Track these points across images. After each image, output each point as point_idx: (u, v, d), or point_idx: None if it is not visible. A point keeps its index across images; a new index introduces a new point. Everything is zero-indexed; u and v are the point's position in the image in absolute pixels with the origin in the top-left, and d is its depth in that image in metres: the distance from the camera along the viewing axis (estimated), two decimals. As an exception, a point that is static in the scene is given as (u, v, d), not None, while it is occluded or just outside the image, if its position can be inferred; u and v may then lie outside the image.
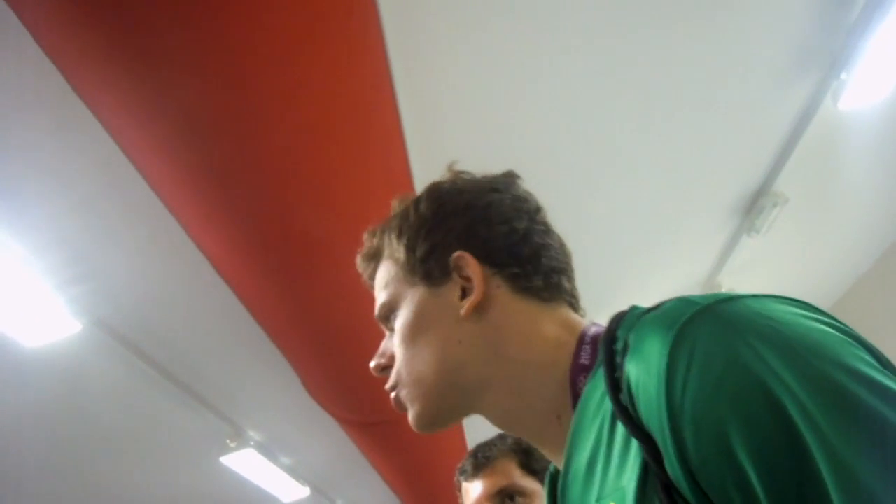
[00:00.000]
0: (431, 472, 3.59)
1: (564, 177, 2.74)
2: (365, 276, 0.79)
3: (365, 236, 0.79)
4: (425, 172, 2.26)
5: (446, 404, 0.69)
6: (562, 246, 0.73)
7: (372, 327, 2.36)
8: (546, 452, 0.68)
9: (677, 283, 3.95)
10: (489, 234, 0.68)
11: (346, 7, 1.48)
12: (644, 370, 0.46)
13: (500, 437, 1.41)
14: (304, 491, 4.75)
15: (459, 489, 1.41)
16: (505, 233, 0.69)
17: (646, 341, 0.47)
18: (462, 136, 2.42)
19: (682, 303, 0.47)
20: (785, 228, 3.28)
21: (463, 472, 1.39)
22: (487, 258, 0.68)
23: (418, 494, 3.99)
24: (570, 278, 0.72)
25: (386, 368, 0.74)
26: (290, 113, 1.50)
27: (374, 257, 0.77)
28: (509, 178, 0.76)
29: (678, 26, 2.22)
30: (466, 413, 0.70)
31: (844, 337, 0.42)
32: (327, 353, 2.33)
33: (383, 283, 0.74)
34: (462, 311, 0.66)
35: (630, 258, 3.53)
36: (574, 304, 0.71)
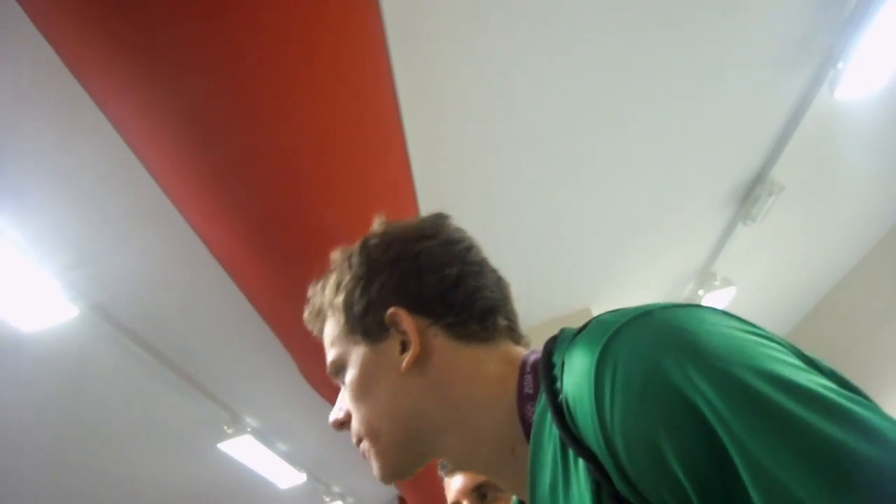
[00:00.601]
0: (427, 458, 3.61)
1: (561, 168, 2.74)
2: (315, 332, 0.80)
3: (310, 291, 0.80)
4: (425, 164, 2.27)
5: (406, 455, 0.71)
6: (498, 281, 0.74)
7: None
8: (505, 487, 0.70)
9: (673, 272, 3.96)
10: (421, 286, 0.69)
11: (348, 4, 1.49)
12: (577, 388, 0.48)
13: None
14: (301, 477, 4.78)
15: (443, 481, 1.45)
16: (436, 282, 0.69)
17: (576, 361, 0.49)
18: (461, 125, 2.42)
19: (603, 323, 0.50)
20: (780, 217, 3.29)
21: (443, 468, 1.42)
22: (422, 310, 0.69)
23: (413, 481, 4.01)
24: (508, 312, 0.73)
25: (344, 423, 0.75)
26: (293, 105, 1.50)
27: (320, 314, 0.78)
28: (439, 220, 0.76)
29: (675, 18, 2.22)
30: (428, 458, 0.72)
31: (760, 339, 0.44)
32: (324, 339, 2.33)
33: (330, 340, 0.76)
34: (402, 366, 0.67)
35: (626, 246, 3.54)
36: (515, 337, 0.72)
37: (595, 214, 3.18)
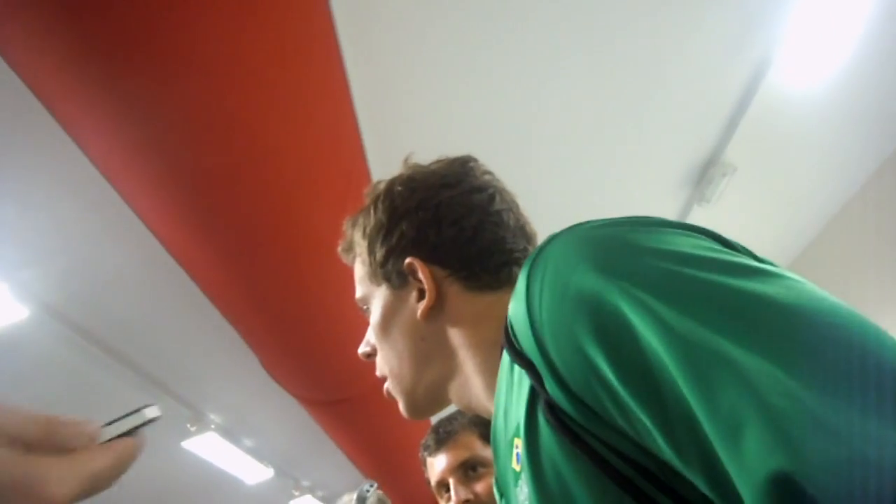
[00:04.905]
0: (394, 447, 3.62)
1: (512, 154, 2.75)
2: (348, 264, 0.83)
3: (344, 225, 0.82)
4: (381, 151, 2.25)
5: (425, 396, 0.73)
6: (522, 227, 0.75)
7: (328, 307, 2.34)
8: None
9: (632, 254, 4.01)
10: (438, 238, 0.71)
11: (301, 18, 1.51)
12: (515, 302, 0.50)
13: (460, 411, 1.44)
14: (268, 472, 4.74)
15: (424, 465, 1.43)
16: (453, 235, 0.71)
17: (518, 280, 0.51)
18: (415, 106, 2.41)
19: (542, 243, 0.52)
20: (734, 197, 3.36)
21: (426, 448, 1.41)
22: (438, 261, 0.71)
23: (383, 470, 4.02)
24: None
25: (370, 356, 0.78)
26: (246, 114, 1.51)
27: (351, 249, 0.81)
28: (464, 166, 0.77)
29: (624, 2, 2.23)
30: (444, 401, 0.74)
31: (681, 232, 0.45)
32: (285, 332, 2.32)
33: (358, 278, 0.79)
34: (418, 314, 0.70)
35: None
36: None
37: (548, 203, 3.19)
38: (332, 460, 4.48)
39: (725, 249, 0.44)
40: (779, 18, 2.42)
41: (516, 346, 0.50)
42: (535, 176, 2.94)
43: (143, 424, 0.46)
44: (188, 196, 1.69)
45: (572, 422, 0.44)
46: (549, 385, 0.45)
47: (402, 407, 0.75)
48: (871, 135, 3.26)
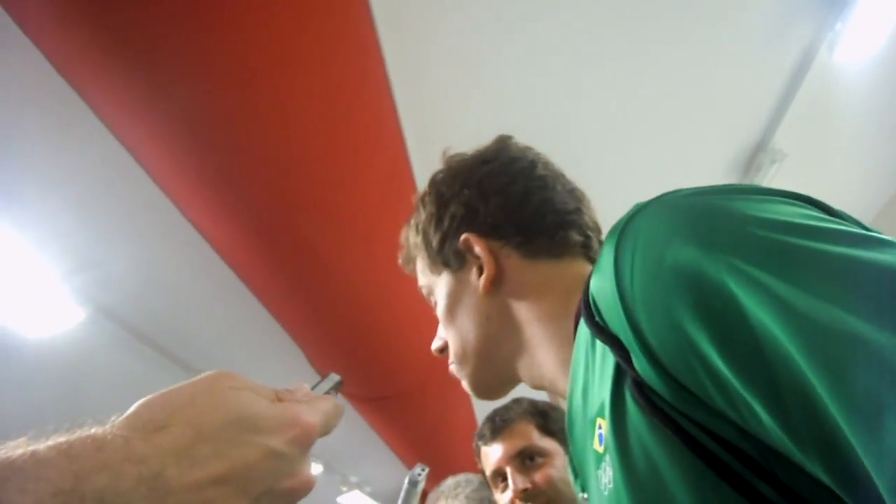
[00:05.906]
0: (441, 442, 3.63)
1: (557, 141, 2.72)
2: (409, 272, 0.85)
3: (401, 238, 0.84)
4: (420, 149, 2.26)
5: (490, 375, 0.74)
6: (571, 191, 0.75)
7: (375, 304, 2.34)
8: None
9: (678, 245, 3.94)
10: (487, 209, 0.72)
11: (340, 10, 1.50)
12: (599, 276, 0.47)
13: (516, 400, 1.43)
14: (317, 468, 4.80)
15: (478, 455, 1.42)
16: (501, 203, 0.71)
17: (601, 253, 0.48)
18: (453, 97, 2.41)
19: (621, 218, 0.48)
20: (784, 184, 3.23)
21: (481, 437, 1.40)
22: (492, 232, 0.71)
23: (430, 465, 4.03)
24: (582, 227, 0.72)
25: (444, 350, 0.79)
26: (289, 104, 1.51)
27: (411, 257, 0.83)
28: (499, 143, 0.78)
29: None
30: (513, 381, 0.74)
31: (782, 200, 0.42)
32: (334, 331, 2.34)
33: (419, 273, 0.81)
34: (480, 289, 0.70)
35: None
36: (590, 255, 0.72)
37: (594, 189, 3.15)
38: (380, 456, 4.51)
39: (832, 218, 0.40)
40: (828, -3, 2.34)
41: (599, 321, 0.48)
42: (579, 163, 2.90)
43: (335, 388, 0.60)
44: (237, 198, 1.72)
45: (664, 402, 0.42)
46: (639, 363, 0.43)
47: (468, 387, 0.75)
48: (929, 116, 3.14)
